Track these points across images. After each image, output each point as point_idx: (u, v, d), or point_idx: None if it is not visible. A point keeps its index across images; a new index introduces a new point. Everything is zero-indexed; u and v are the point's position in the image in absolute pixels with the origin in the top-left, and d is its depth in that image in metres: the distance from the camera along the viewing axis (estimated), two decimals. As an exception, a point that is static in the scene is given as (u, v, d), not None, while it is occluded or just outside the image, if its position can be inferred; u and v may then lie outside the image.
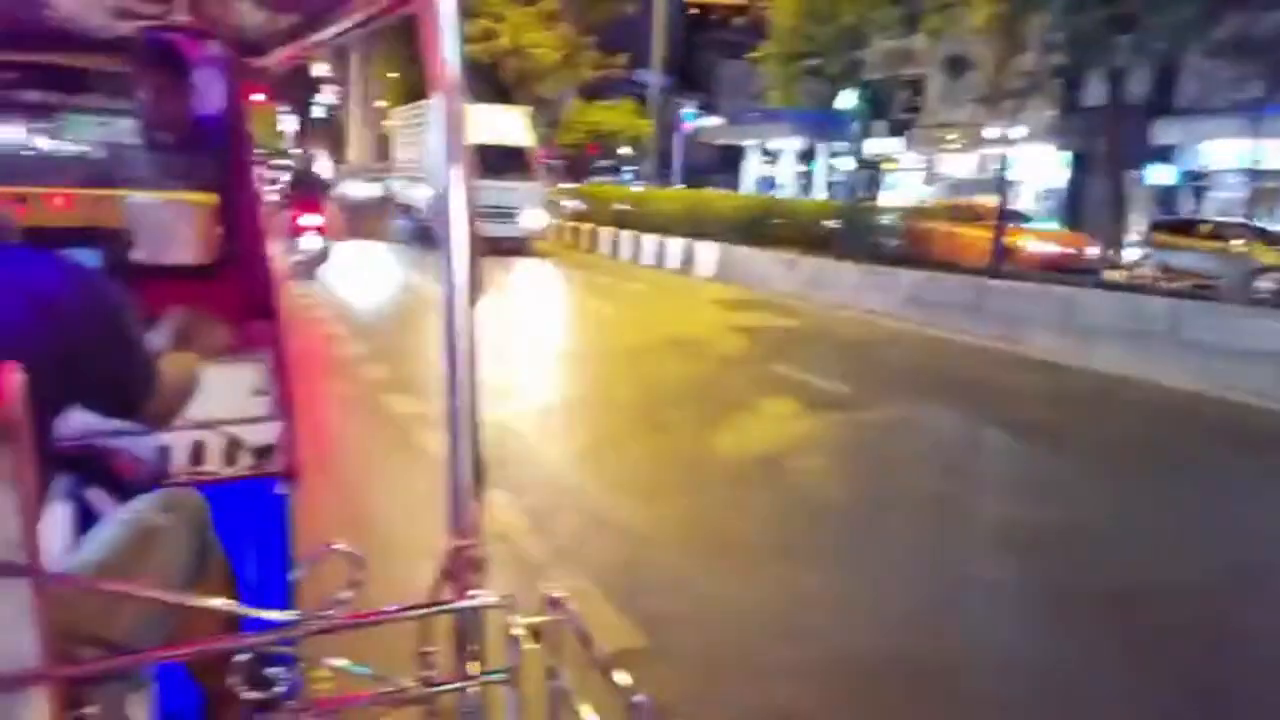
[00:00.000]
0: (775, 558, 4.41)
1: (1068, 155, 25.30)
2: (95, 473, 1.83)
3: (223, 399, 2.10)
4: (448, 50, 1.20)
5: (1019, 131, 18.29)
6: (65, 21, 2.17)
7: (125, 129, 2.99)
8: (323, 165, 35.41)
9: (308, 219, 13.30)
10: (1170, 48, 12.02)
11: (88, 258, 2.31)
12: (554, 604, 1.21)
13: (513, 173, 20.13)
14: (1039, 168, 26.22)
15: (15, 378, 0.85)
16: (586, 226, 24.20)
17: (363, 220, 21.64)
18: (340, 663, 1.26)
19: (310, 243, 13.23)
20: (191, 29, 2.22)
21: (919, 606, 3.93)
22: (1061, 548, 4.67)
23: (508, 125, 21.55)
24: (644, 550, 4.38)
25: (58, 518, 1.62)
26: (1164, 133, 22.11)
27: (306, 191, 15.00)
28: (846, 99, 25.71)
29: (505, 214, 19.72)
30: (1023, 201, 26.91)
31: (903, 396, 8.46)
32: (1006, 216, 18.67)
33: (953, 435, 7.09)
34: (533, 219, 20.93)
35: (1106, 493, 5.74)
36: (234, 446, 2.20)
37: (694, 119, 48.09)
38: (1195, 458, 6.84)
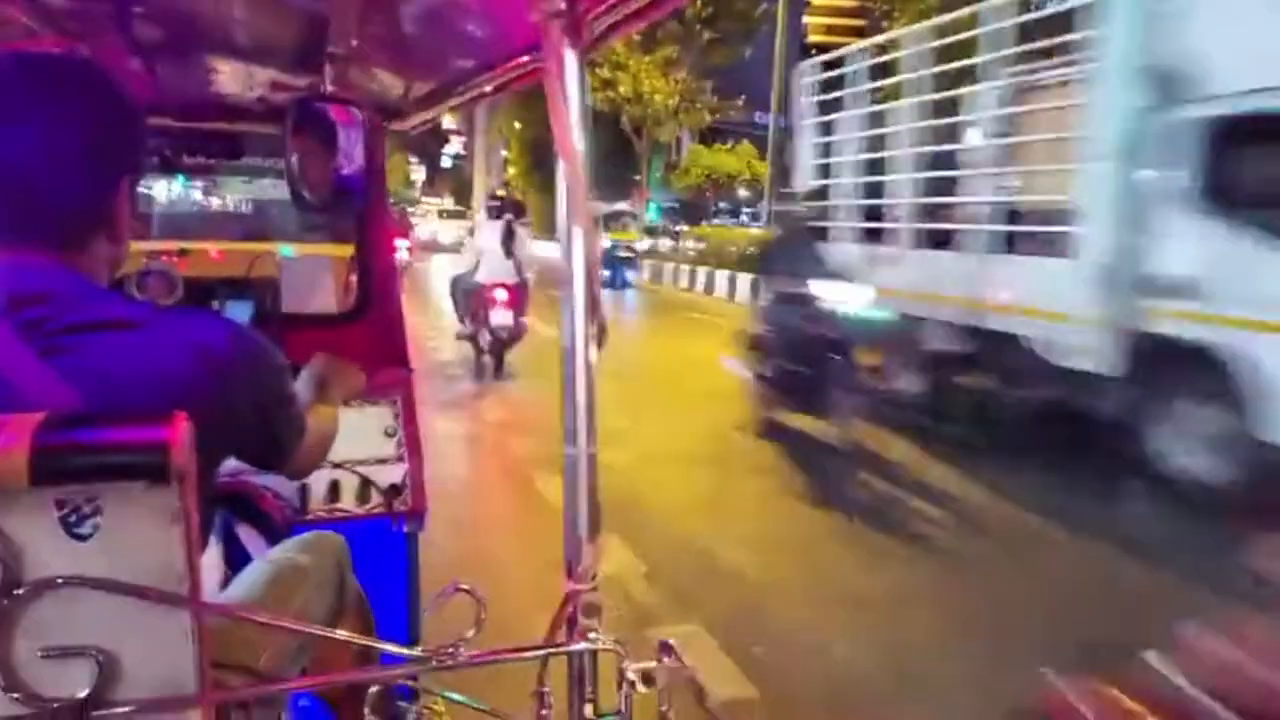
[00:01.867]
0: (893, 605, 4.29)
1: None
2: (244, 510, 1.97)
3: (356, 440, 2.20)
4: (572, 118, 1.25)
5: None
6: (225, 93, 2.39)
7: (274, 188, 3.20)
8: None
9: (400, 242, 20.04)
10: None
11: (240, 308, 2.48)
12: (666, 649, 1.23)
13: None
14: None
15: (186, 426, 0.93)
16: (703, 269, 24.22)
17: None
18: (460, 698, 1.32)
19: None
20: (337, 98, 2.39)
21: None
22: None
23: None
24: (756, 597, 4.35)
25: (212, 553, 1.75)
26: None
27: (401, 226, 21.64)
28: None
29: None
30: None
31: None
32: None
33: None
34: None
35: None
36: (366, 486, 2.30)
37: (812, 159, 47.89)
38: None
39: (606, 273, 19.68)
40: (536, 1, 1.23)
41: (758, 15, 30.20)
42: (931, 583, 4.64)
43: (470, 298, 9.50)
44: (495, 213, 9.67)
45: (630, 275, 23.36)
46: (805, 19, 67.83)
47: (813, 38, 75.05)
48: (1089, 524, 5.33)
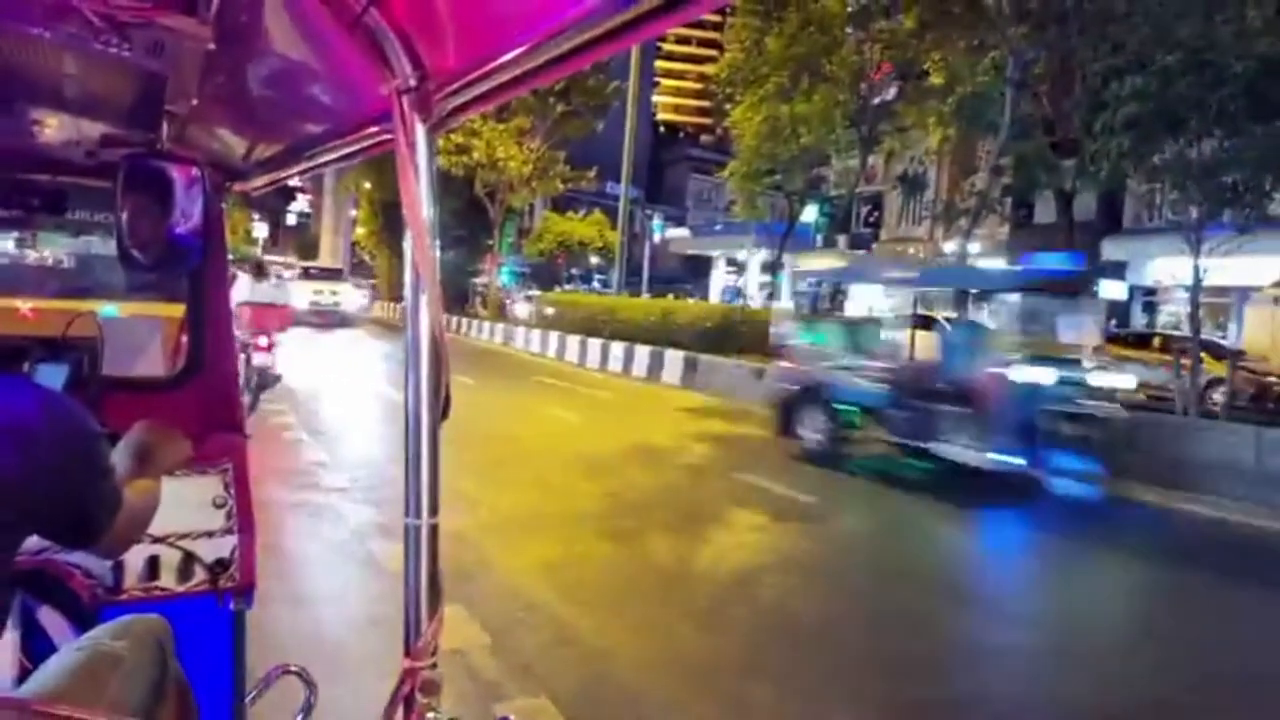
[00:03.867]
0: (736, 675, 4.34)
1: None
2: (47, 592, 1.80)
3: (180, 512, 2.07)
4: (422, 190, 1.25)
5: (973, 247, 19.00)
6: (49, 145, 2.24)
7: (99, 244, 3.00)
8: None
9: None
10: (1110, 173, 12.68)
11: (52, 371, 2.30)
12: None
13: None
14: (995, 281, 27.21)
15: None
16: (554, 333, 24.32)
17: None
18: None
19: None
20: (174, 155, 2.29)
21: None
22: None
23: None
24: (604, 667, 4.28)
25: (7, 641, 1.57)
26: (1113, 250, 23.09)
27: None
28: (809, 213, 26.66)
29: None
30: (982, 315, 27.80)
31: (865, 506, 8.50)
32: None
33: (910, 543, 7.13)
34: None
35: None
36: (189, 561, 2.14)
37: (662, 230, 49.51)
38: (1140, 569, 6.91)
39: (1019, 460, 8.37)
40: (386, 76, 1.23)
41: (609, 91, 31.19)
42: (778, 647, 4.74)
43: None
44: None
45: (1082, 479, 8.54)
46: (654, 98, 70.88)
47: (661, 115, 78.60)
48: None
